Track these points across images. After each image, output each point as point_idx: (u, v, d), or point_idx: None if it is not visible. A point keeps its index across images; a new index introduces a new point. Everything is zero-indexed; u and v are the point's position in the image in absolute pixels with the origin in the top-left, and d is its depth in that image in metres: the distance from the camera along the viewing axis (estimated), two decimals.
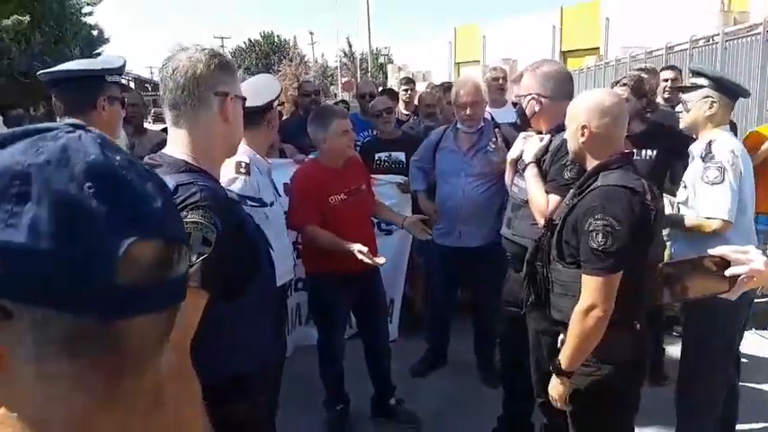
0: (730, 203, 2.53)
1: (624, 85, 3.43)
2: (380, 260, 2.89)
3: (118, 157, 0.50)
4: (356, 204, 3.11)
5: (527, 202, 2.62)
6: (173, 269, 0.51)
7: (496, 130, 3.36)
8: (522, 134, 2.79)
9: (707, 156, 2.60)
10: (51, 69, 2.27)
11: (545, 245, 2.19)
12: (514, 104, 4.53)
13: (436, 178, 3.73)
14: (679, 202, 2.80)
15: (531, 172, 2.56)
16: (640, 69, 4.09)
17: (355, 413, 3.41)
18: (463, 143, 3.56)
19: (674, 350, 4.05)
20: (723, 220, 2.53)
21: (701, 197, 2.60)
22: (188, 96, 1.43)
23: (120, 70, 2.32)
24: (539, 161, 2.58)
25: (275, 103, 2.67)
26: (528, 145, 2.65)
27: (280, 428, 2.62)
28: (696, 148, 2.74)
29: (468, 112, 3.46)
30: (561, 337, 2.24)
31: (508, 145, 3.30)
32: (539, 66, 2.64)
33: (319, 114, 3.09)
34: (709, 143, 2.63)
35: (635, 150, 3.29)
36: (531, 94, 2.58)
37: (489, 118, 3.69)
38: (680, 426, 2.81)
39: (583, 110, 2.08)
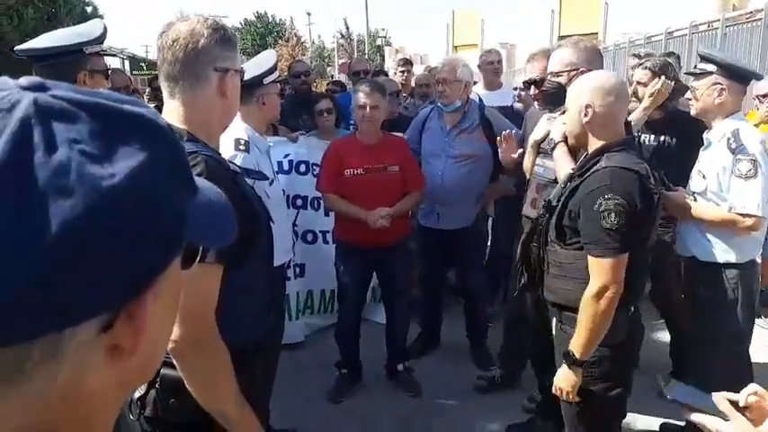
0: (762, 198, 2.41)
1: (647, 68, 3.25)
2: (385, 222, 3.04)
3: None
4: (374, 182, 3.16)
5: (554, 181, 2.56)
6: None
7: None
8: (546, 116, 2.73)
9: (738, 147, 2.45)
10: (27, 46, 2.16)
11: (542, 226, 2.17)
12: (515, 89, 4.50)
13: (422, 159, 3.71)
14: (695, 192, 2.65)
15: (561, 150, 2.49)
16: (668, 54, 3.95)
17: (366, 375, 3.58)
18: (447, 122, 3.54)
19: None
20: (758, 217, 2.42)
21: (734, 191, 2.46)
22: (186, 71, 1.39)
23: (99, 39, 2.20)
24: (567, 140, 2.54)
25: (266, 80, 2.63)
26: (555, 125, 2.58)
27: (283, 412, 2.63)
28: (714, 136, 2.59)
29: (439, 88, 3.49)
30: (555, 321, 2.23)
31: (491, 130, 3.26)
32: (578, 41, 2.60)
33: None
34: (736, 132, 2.48)
35: (653, 136, 3.24)
36: (578, 69, 2.49)
37: (477, 99, 3.64)
38: None
39: (586, 89, 2.05)
